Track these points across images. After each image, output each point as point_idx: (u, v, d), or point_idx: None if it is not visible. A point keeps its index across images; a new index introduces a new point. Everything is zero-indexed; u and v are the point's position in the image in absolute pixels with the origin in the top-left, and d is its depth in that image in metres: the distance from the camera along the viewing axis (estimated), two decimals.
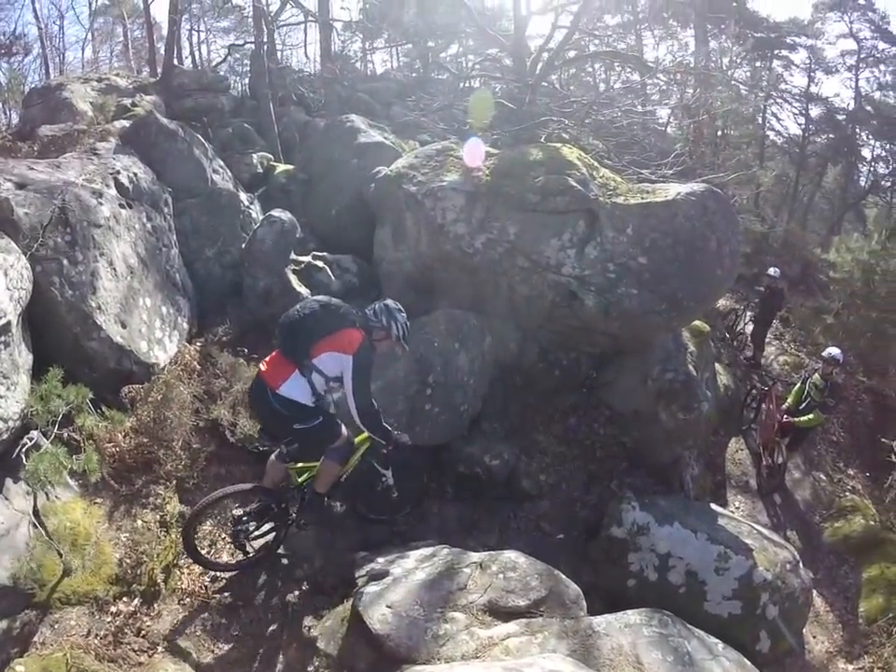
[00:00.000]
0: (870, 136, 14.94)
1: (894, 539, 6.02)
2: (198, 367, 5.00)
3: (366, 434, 3.75)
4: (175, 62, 11.91)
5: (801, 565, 4.82)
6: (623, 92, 9.10)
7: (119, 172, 5.22)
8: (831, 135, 14.83)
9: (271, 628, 3.63)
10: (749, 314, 9.19)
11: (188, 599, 3.59)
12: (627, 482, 5.12)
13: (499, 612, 3.15)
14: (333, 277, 6.08)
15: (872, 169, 15.47)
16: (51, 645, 3.10)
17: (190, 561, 3.69)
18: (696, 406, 5.31)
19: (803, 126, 14.59)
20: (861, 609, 5.31)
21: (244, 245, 6.23)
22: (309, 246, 6.77)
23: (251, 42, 11.53)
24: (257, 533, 3.74)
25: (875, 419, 8.15)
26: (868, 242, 9.55)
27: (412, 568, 3.46)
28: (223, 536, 3.94)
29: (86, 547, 3.46)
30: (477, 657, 2.85)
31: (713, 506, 5.24)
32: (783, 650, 4.54)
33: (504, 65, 9.81)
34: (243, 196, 7.08)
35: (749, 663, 3.25)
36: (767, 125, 14.58)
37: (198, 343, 5.34)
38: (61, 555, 3.32)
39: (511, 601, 3.20)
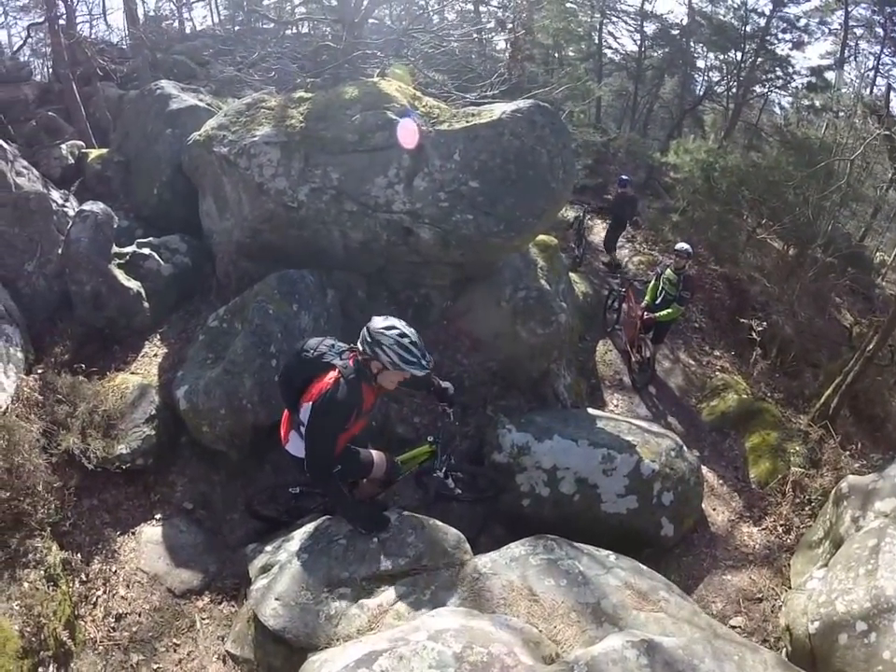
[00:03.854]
0: (703, 48, 15.78)
1: (768, 407, 6.49)
2: (40, 398, 4.37)
3: (422, 449, 3.71)
4: None
5: (685, 448, 5.06)
6: (458, 23, 8.76)
7: None
8: (666, 49, 15.48)
9: (188, 651, 3.44)
10: (596, 220, 9.47)
11: (100, 647, 3.40)
12: (501, 404, 5.09)
13: (383, 577, 2.99)
14: (162, 262, 5.44)
15: (706, 78, 16.46)
16: None
17: (91, 608, 3.54)
18: (553, 319, 5.33)
19: (639, 42, 15.10)
20: (752, 476, 5.64)
21: (59, 251, 5.39)
22: (137, 234, 6.07)
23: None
24: (312, 508, 3.76)
25: (731, 302, 8.82)
26: (705, 142, 10.19)
27: (295, 550, 3.23)
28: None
29: None
30: (371, 629, 2.71)
31: (590, 410, 5.39)
32: (688, 528, 4.81)
33: (329, 6, 9.09)
34: (55, 195, 6.12)
35: (643, 566, 3.27)
36: (604, 44, 14.96)
37: (38, 371, 4.64)
38: None
39: (391, 564, 3.04)
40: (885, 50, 14.20)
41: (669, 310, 6.31)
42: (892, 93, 13.54)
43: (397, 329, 2.83)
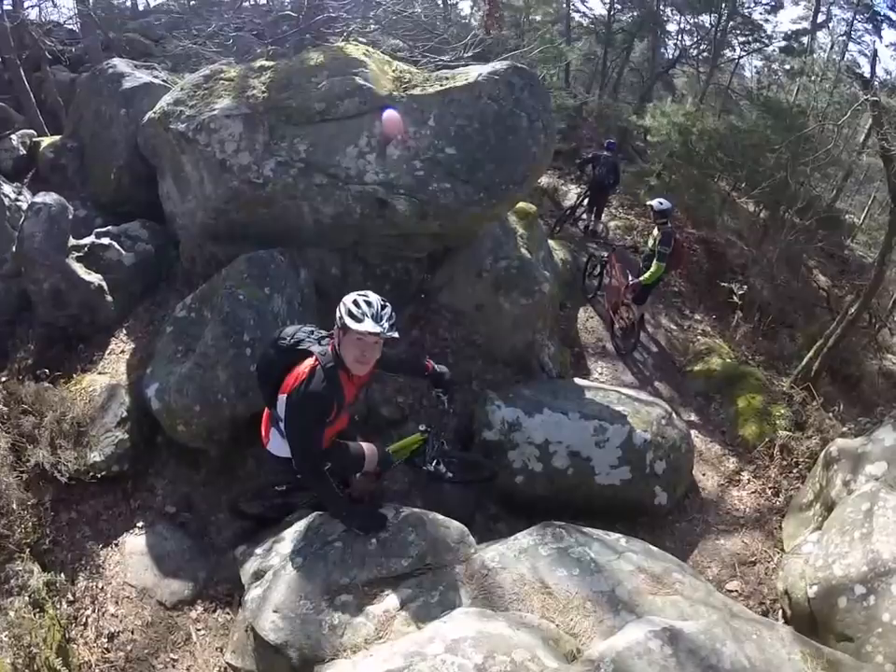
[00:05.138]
0: (674, 11, 15.29)
1: (752, 371, 6.38)
2: (4, 410, 4.04)
3: (414, 438, 3.45)
4: None
5: (674, 416, 4.91)
6: None
7: None
8: (636, 13, 14.98)
9: (186, 665, 3.24)
10: (570, 185, 9.18)
11: (96, 670, 3.20)
12: (487, 379, 4.85)
13: (386, 581, 2.76)
14: (123, 251, 5.00)
15: (679, 41, 16.01)
16: None
17: (82, 629, 3.28)
18: (536, 289, 5.08)
19: (608, 5, 14.58)
20: (740, 440, 5.51)
21: (14, 248, 4.94)
22: (96, 223, 5.59)
23: None
24: (300, 504, 3.48)
25: (710, 265, 8.69)
26: (682, 105, 9.89)
27: (288, 553, 2.99)
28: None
29: None
30: (379, 637, 2.51)
31: (577, 380, 5.17)
32: (680, 495, 4.70)
33: None
34: (7, 189, 5.63)
35: (655, 548, 3.13)
36: (572, 7, 14.45)
37: (1, 381, 4.29)
38: None
39: (393, 566, 2.79)
40: (857, 16, 13.95)
41: (651, 269, 5.98)
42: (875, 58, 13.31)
43: (355, 293, 2.54)
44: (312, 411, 2.52)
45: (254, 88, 4.57)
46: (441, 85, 4.48)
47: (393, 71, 4.69)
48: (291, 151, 4.28)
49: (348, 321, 2.44)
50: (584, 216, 8.79)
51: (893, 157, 5.73)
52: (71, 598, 3.40)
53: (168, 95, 5.03)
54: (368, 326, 2.43)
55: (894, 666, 2.98)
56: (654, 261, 5.95)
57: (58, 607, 3.28)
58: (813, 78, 10.94)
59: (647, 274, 6.04)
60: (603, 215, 9.05)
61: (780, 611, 3.88)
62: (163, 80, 6.28)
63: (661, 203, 6.06)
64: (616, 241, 8.08)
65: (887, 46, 27.24)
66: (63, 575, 3.44)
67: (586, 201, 8.70)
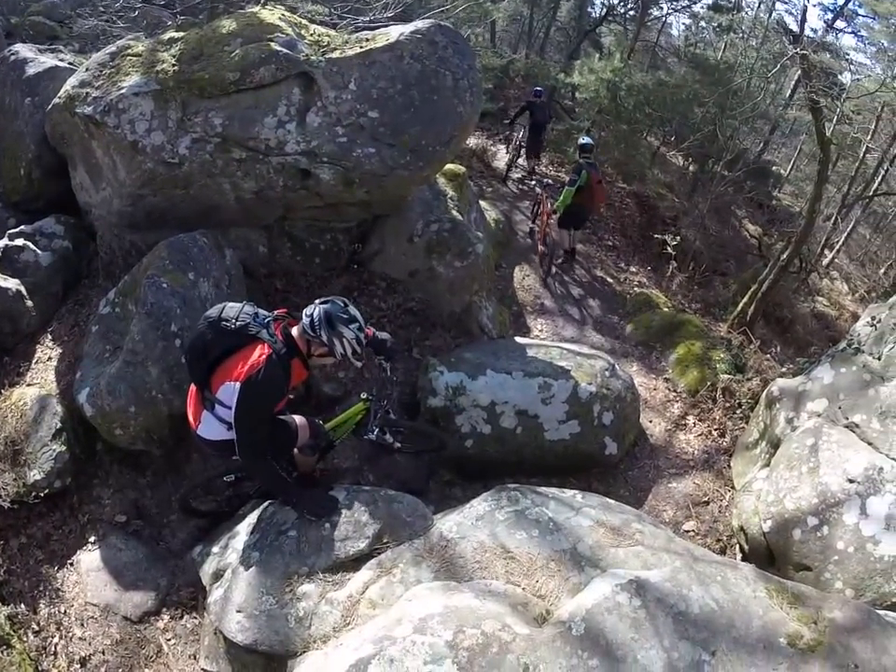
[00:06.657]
0: None
1: (690, 318, 6.46)
2: None
3: (356, 408, 3.37)
4: None
5: (617, 367, 4.87)
6: None
7: None
8: None
9: None
10: (500, 146, 9.39)
11: None
12: (427, 345, 4.69)
13: (345, 565, 2.64)
14: (39, 251, 4.51)
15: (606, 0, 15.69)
16: None
17: (52, 658, 3.11)
18: (471, 250, 4.88)
19: None
20: (682, 386, 5.53)
21: None
22: (9, 223, 5.02)
23: None
24: (252, 494, 3.38)
25: (642, 219, 8.71)
26: (610, 61, 9.68)
27: (244, 548, 2.84)
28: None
29: None
30: (347, 624, 2.40)
31: (518, 339, 5.07)
32: (629, 444, 4.71)
33: None
34: None
35: (611, 501, 3.09)
36: None
37: None
38: None
39: (351, 548, 2.67)
40: None
41: (562, 194, 6.57)
42: (805, 14, 13.35)
43: (357, 322, 2.63)
44: (269, 398, 2.54)
45: (163, 62, 4.12)
46: (362, 47, 4.16)
47: (311, 35, 4.32)
48: (206, 126, 3.90)
49: (352, 359, 2.66)
50: (525, 161, 9.24)
51: (821, 109, 5.81)
52: (36, 628, 3.16)
53: (73, 78, 4.51)
54: (359, 363, 2.77)
55: (854, 591, 3.06)
56: (565, 187, 6.50)
57: (24, 639, 3.06)
58: (741, 35, 10.92)
59: (559, 199, 6.58)
60: (536, 169, 9.38)
61: (738, 547, 3.93)
62: (70, 63, 5.65)
63: (583, 139, 6.88)
64: (546, 181, 8.40)
65: (814, 5, 27.43)
66: (23, 605, 3.21)
67: (524, 146, 9.09)
